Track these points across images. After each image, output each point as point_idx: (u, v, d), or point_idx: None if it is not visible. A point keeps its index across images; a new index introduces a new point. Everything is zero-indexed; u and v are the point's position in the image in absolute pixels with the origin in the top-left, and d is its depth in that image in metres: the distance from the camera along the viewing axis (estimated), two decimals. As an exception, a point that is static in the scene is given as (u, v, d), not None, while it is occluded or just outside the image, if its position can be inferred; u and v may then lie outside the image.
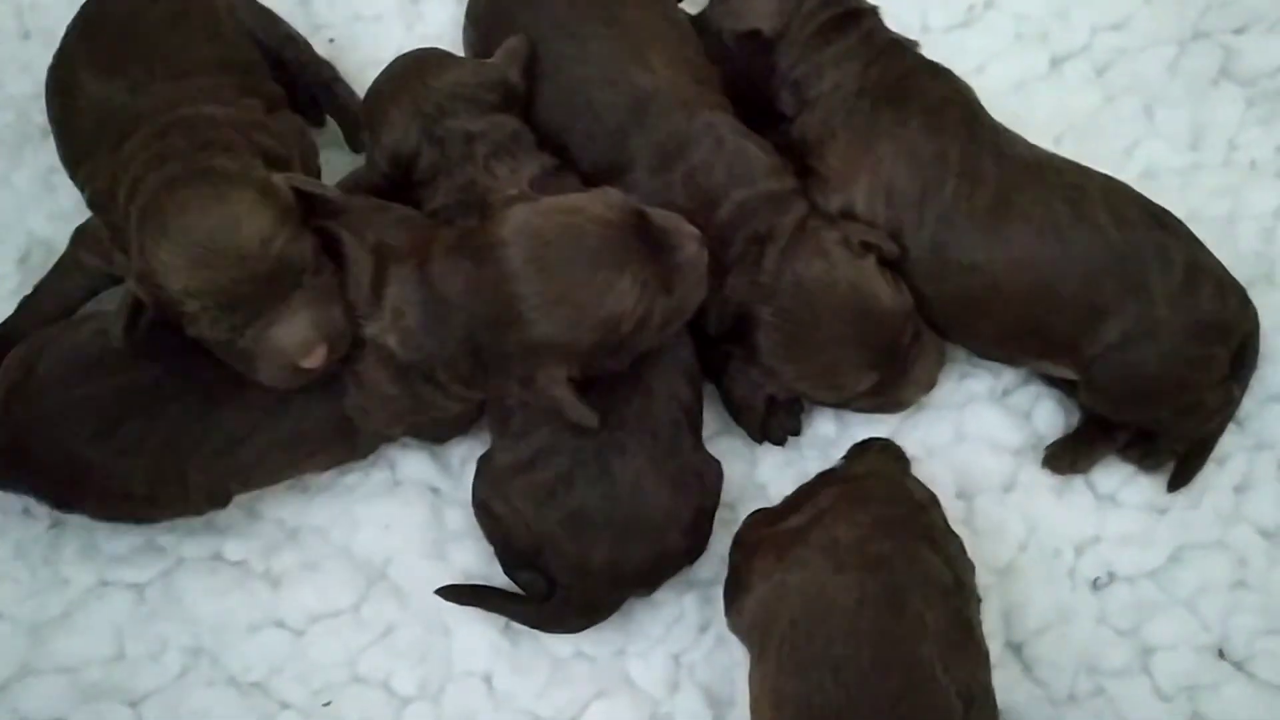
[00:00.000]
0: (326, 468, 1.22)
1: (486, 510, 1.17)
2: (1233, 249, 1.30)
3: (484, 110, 1.22)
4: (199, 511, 1.18)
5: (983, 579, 1.21)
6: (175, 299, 1.03)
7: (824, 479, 1.16)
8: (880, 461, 1.20)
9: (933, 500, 1.15)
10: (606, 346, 1.07)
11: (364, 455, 1.23)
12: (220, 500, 1.17)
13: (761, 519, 1.13)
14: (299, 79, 1.33)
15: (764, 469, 1.28)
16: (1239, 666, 1.18)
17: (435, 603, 1.20)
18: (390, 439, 1.23)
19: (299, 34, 1.34)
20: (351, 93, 1.35)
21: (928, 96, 1.25)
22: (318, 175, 1.23)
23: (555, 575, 1.13)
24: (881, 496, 1.10)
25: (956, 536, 1.12)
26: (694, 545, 1.17)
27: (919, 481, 1.17)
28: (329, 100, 1.35)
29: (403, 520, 1.24)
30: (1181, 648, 1.19)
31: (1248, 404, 1.27)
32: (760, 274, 1.19)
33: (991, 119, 1.26)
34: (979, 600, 1.11)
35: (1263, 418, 1.28)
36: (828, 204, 1.25)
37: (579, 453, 1.12)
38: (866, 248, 1.20)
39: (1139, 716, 1.17)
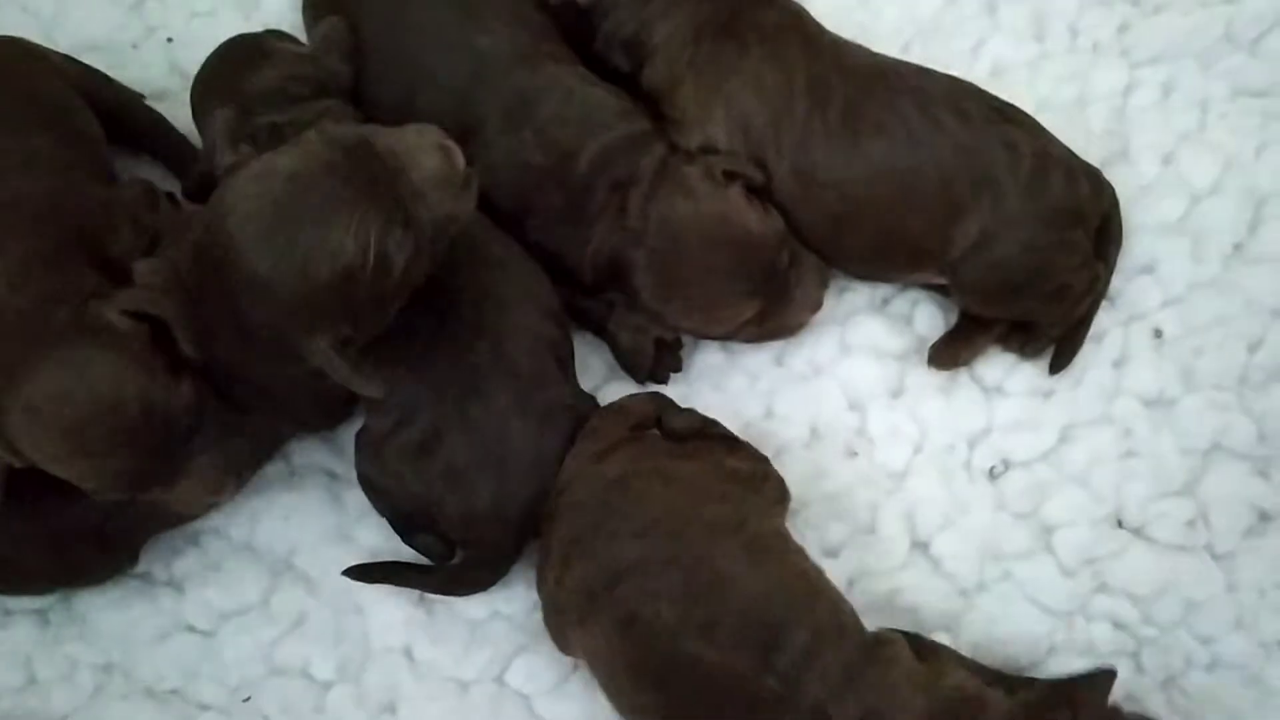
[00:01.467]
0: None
1: (369, 482, 1.17)
2: (1086, 131, 1.32)
3: (294, 101, 1.20)
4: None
5: (881, 484, 1.24)
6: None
7: None
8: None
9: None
10: (358, 302, 1.01)
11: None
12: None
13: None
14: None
15: (659, 409, 1.29)
16: (1137, 533, 1.21)
17: (345, 585, 1.19)
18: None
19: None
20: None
21: (763, 25, 1.25)
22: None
23: (449, 534, 1.14)
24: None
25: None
26: None
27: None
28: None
29: (302, 509, 1.23)
30: (1080, 523, 1.22)
31: (1117, 280, 1.29)
32: (627, 219, 1.20)
33: (830, 35, 1.27)
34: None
35: (1133, 291, 1.30)
36: (689, 143, 1.25)
37: (440, 406, 1.12)
38: (730, 176, 1.21)
39: (1047, 594, 1.20)
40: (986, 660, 1.13)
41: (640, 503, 1.05)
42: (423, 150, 1.03)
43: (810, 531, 1.22)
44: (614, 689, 1.05)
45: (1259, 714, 1.12)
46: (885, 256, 1.27)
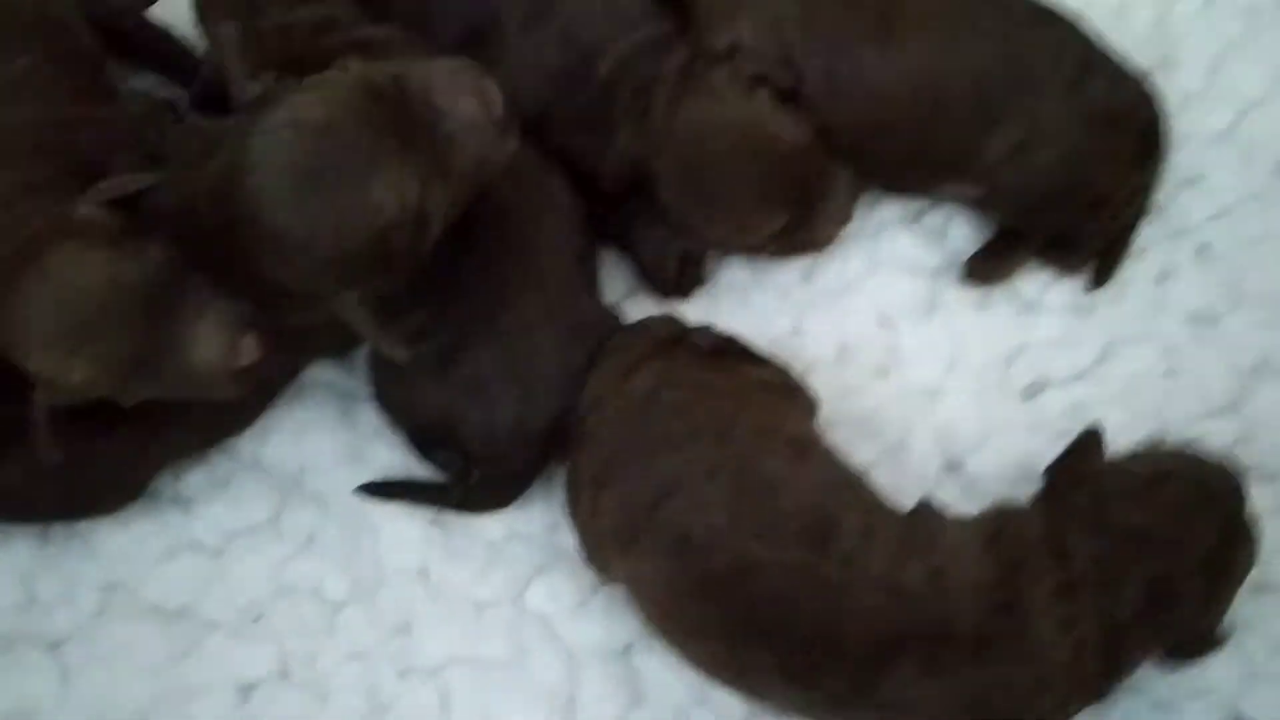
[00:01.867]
0: None
1: (386, 397, 1.12)
2: (1129, 38, 1.25)
3: (301, 1, 1.13)
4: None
5: (913, 403, 1.19)
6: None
7: None
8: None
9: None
10: (393, 258, 0.94)
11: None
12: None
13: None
14: None
15: (683, 326, 1.24)
16: (1181, 453, 1.16)
17: (357, 504, 1.15)
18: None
19: None
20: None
21: (794, -83, 1.19)
22: None
23: (468, 448, 1.09)
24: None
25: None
26: None
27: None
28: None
29: (313, 425, 1.18)
30: (1119, 441, 1.16)
31: (1161, 193, 1.24)
32: (650, 124, 1.14)
33: (865, -72, 1.21)
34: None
35: (1177, 204, 1.25)
36: (715, 43, 1.19)
37: (464, 317, 1.07)
38: (758, 81, 1.15)
39: (1085, 516, 1.15)
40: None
41: (676, 416, 1.01)
42: (460, 91, 0.96)
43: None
44: (668, 612, 1.01)
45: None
46: (919, 165, 1.21)
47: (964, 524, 1.02)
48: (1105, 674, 0.97)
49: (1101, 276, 1.23)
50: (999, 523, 1.01)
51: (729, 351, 1.12)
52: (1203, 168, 1.25)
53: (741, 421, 1.01)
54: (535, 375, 1.08)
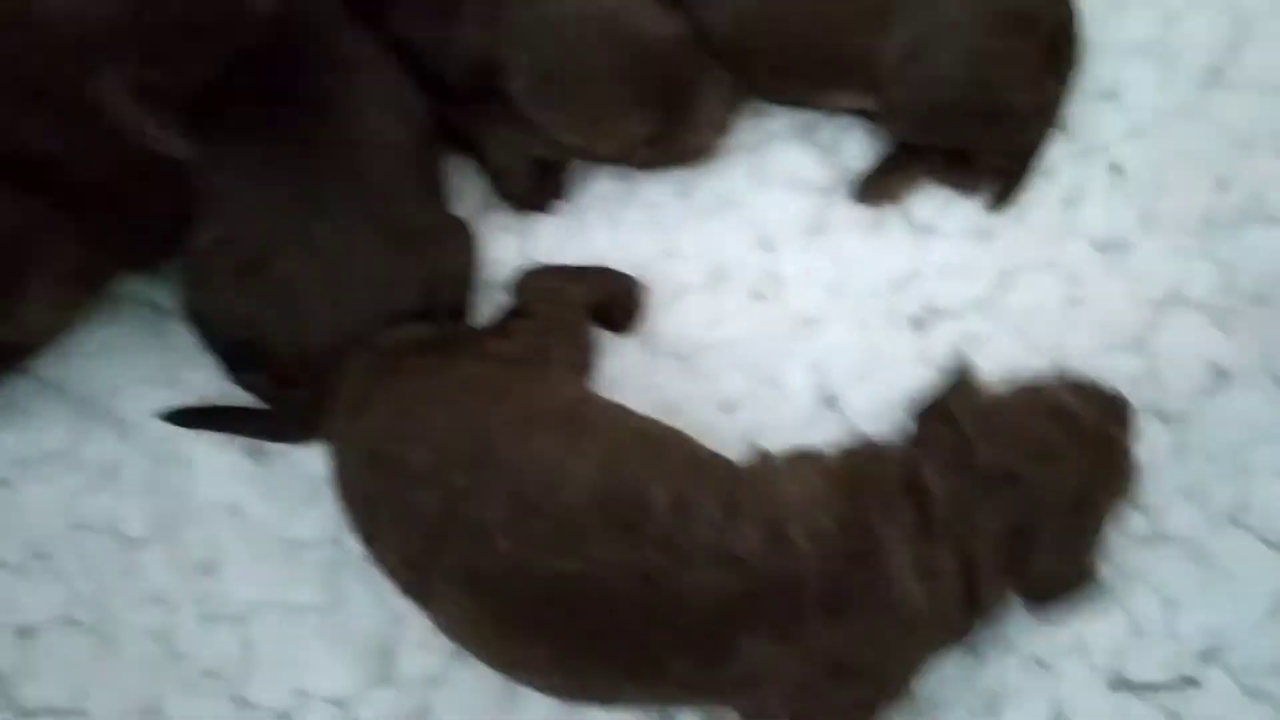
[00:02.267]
0: None
1: (195, 309, 1.00)
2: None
3: None
4: None
5: (790, 331, 1.09)
6: None
7: None
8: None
9: None
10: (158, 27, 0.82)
11: None
12: None
13: None
14: None
15: (543, 244, 1.12)
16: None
17: (166, 432, 1.04)
18: None
19: None
20: None
21: None
22: None
23: (278, 368, 0.98)
24: None
25: None
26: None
27: None
28: None
29: (120, 345, 1.07)
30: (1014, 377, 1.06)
31: (1073, 106, 1.12)
32: (500, 13, 1.02)
33: None
34: None
35: (1090, 119, 1.13)
36: None
37: (276, 218, 0.96)
38: None
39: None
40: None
41: (418, 444, 0.86)
42: None
43: (704, 383, 1.07)
44: (493, 655, 0.89)
45: (1202, 594, 0.98)
46: (802, 72, 1.10)
47: (811, 470, 0.91)
48: (967, 614, 0.87)
49: (1003, 198, 1.12)
50: (852, 465, 0.91)
51: (456, 339, 0.99)
52: (1119, 81, 1.14)
53: (495, 419, 0.87)
54: (353, 285, 0.96)
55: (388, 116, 1.01)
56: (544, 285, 1.03)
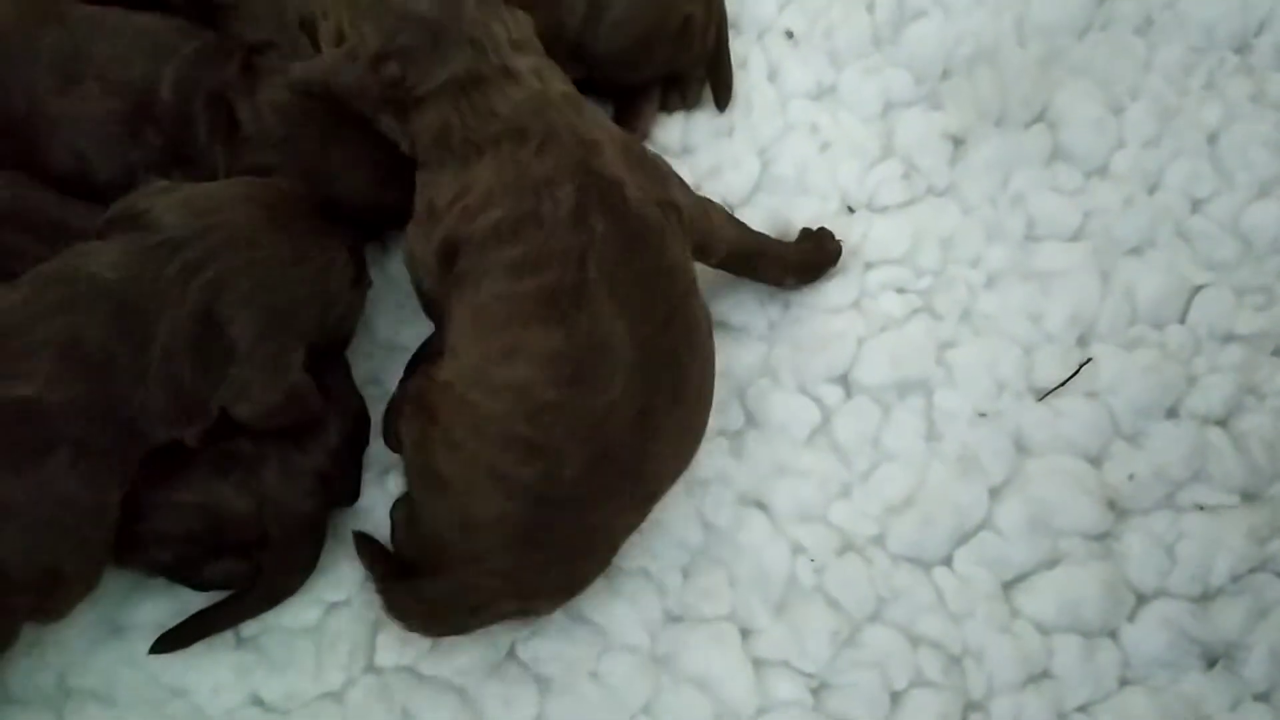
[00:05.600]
0: None
1: (136, 537, 0.95)
2: None
3: None
4: None
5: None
6: None
7: None
8: None
9: None
10: None
11: None
12: None
13: None
14: None
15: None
16: (869, 206, 1.22)
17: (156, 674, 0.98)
18: None
19: None
20: None
21: None
22: None
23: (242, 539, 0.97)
24: None
25: None
26: None
27: None
28: None
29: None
30: (820, 220, 1.20)
31: (732, 4, 1.29)
32: (241, 129, 1.07)
33: None
34: None
35: (750, 7, 1.31)
36: (246, 31, 1.13)
37: None
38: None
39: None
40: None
41: None
42: None
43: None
44: None
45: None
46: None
47: None
48: None
49: (722, 95, 1.27)
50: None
51: None
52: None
53: None
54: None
55: None
56: None
